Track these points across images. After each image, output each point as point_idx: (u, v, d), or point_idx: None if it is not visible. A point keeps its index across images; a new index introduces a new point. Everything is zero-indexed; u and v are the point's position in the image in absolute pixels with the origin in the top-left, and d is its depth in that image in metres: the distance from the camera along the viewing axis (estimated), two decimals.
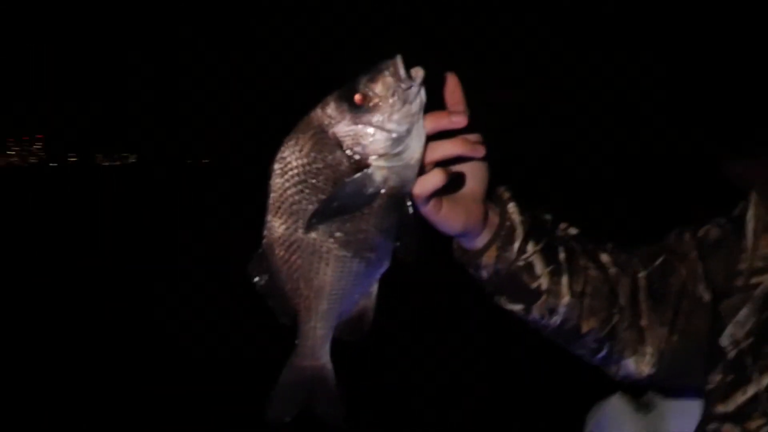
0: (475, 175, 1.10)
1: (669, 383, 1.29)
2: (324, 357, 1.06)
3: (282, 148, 1.00)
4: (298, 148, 1.00)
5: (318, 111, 1.00)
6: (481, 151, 1.04)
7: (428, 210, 1.05)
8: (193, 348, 6.36)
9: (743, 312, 1.18)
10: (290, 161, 1.00)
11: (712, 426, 1.16)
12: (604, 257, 1.24)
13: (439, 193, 1.04)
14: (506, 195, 1.17)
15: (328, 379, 1.06)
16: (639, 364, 1.23)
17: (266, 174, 1.02)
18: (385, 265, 1.04)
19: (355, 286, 1.03)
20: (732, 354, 1.17)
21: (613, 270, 1.23)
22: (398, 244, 1.02)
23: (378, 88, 0.98)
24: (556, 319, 1.20)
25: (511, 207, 1.16)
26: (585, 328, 1.21)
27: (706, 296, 1.23)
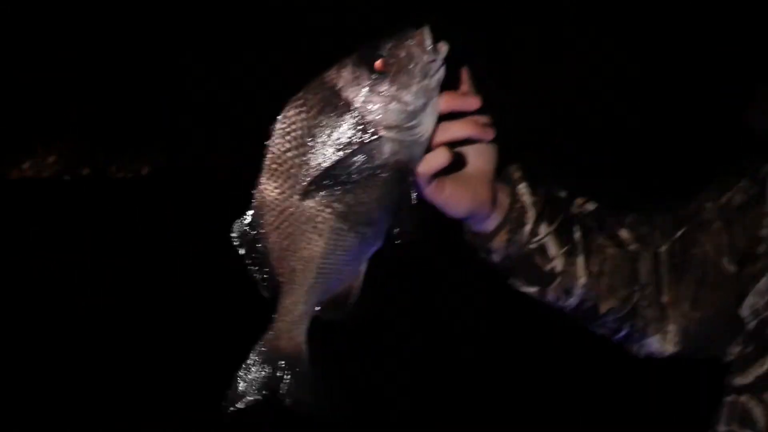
0: (482, 156, 1.06)
1: (693, 357, 1.24)
2: (301, 336, 0.99)
3: (287, 107, 0.94)
4: (305, 108, 0.93)
5: (333, 72, 0.94)
6: (490, 134, 1.01)
7: (431, 191, 1.00)
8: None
9: (764, 280, 1.14)
10: (294, 121, 0.93)
11: (729, 398, 1.14)
12: (624, 233, 1.20)
13: (442, 173, 1.00)
14: (517, 175, 1.13)
15: (302, 362, 0.99)
16: (663, 343, 1.20)
17: (267, 132, 0.95)
18: (379, 244, 0.98)
19: (345, 262, 0.97)
20: (752, 325, 1.14)
21: (633, 246, 1.19)
22: (396, 223, 0.96)
23: (401, 55, 0.92)
24: (573, 301, 1.16)
25: (522, 188, 1.12)
26: (604, 308, 1.17)
27: (731, 268, 1.18)
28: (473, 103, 0.98)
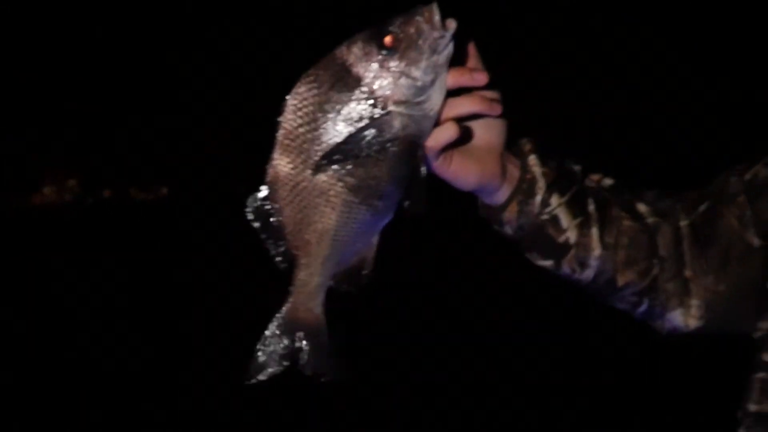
0: (491, 130, 1.07)
1: (718, 333, 1.22)
2: (318, 308, 1.01)
3: (299, 83, 0.96)
4: (316, 84, 0.96)
5: (344, 48, 0.96)
6: (498, 110, 1.03)
7: (438, 164, 1.02)
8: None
9: None
10: (306, 97, 0.96)
11: (760, 374, 1.12)
12: (641, 207, 1.19)
13: (450, 147, 1.02)
14: (527, 147, 1.14)
15: (321, 333, 1.01)
16: (686, 317, 1.18)
17: (279, 108, 0.98)
18: (390, 216, 1.01)
19: (358, 234, 1.00)
20: None
21: (651, 219, 1.18)
22: (406, 196, 0.99)
23: (410, 32, 0.95)
24: (589, 273, 1.16)
25: (532, 159, 1.13)
26: (621, 281, 1.16)
27: (757, 241, 1.16)
28: (481, 78, 1.01)
